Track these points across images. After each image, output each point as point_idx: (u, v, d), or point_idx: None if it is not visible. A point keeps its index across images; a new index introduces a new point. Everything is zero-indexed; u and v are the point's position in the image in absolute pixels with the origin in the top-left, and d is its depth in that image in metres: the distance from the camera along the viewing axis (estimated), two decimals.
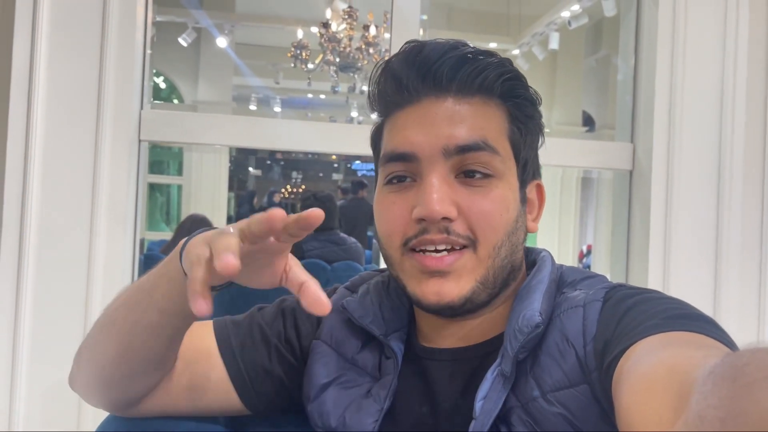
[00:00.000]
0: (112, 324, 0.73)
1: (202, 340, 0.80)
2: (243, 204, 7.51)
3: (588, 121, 5.47)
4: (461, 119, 0.66)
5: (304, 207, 2.99)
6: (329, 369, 0.76)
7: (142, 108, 1.44)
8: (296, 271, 0.62)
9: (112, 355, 0.72)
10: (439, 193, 0.64)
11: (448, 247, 0.65)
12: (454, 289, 0.65)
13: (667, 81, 1.53)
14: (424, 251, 0.66)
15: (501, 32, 4.98)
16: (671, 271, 1.51)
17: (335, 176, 15.11)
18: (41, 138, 1.31)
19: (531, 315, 0.64)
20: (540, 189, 0.76)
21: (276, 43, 5.55)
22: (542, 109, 0.75)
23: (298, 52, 4.26)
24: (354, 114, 7.62)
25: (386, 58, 0.72)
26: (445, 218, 0.64)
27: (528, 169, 0.72)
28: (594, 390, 0.59)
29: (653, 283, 1.51)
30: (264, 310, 0.85)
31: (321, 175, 15.58)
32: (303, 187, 13.82)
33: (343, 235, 2.72)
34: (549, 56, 4.65)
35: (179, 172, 5.92)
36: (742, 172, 1.52)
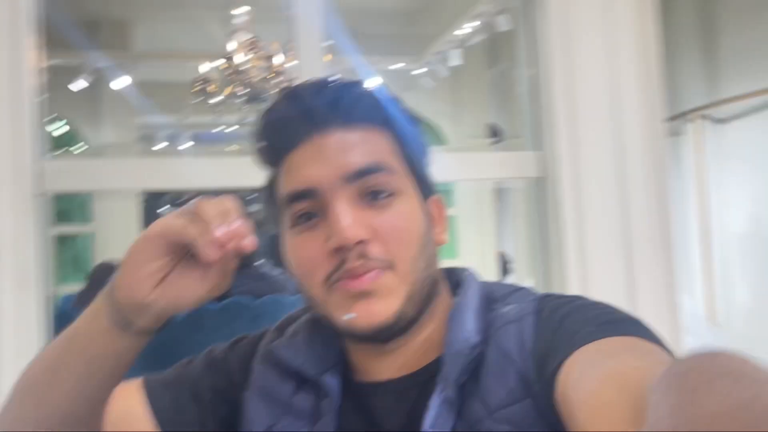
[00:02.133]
0: (31, 387, 0.68)
1: (129, 401, 0.76)
2: None
3: (496, 132, 5.63)
4: (352, 146, 0.67)
5: None
6: (261, 419, 0.74)
7: (42, 156, 1.38)
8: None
9: (33, 423, 0.67)
10: (347, 219, 0.64)
11: (369, 271, 0.65)
12: (383, 308, 0.65)
13: (563, 88, 1.60)
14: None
15: (405, 53, 5.08)
16: (588, 273, 1.56)
17: (251, 209, 14.91)
18: None
19: (467, 337, 0.64)
20: (438, 204, 0.77)
21: (180, 79, 5.45)
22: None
23: (203, 86, 4.19)
24: None
25: (264, 110, 0.73)
26: (359, 242, 0.64)
27: (425, 185, 0.74)
28: (538, 403, 0.60)
29: (573, 285, 1.56)
30: (192, 364, 0.82)
31: None
32: None
33: (265, 270, 2.68)
34: (453, 73, 4.78)
35: (89, 220, 5.67)
36: (643, 171, 1.60)
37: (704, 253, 4.24)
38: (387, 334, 0.68)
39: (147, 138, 6.76)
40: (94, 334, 0.64)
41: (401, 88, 5.23)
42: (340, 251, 0.65)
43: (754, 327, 4.15)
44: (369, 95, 0.71)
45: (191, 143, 7.29)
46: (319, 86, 0.69)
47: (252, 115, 4.97)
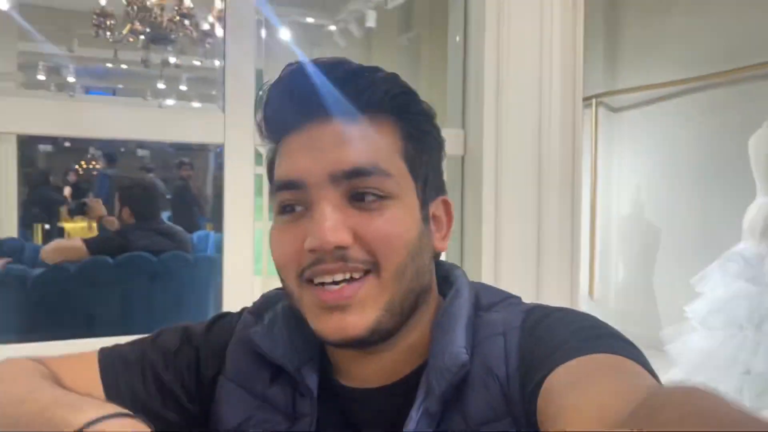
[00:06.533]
0: None
1: (84, 379, 0.71)
2: (37, 186, 6.77)
3: None
4: (349, 141, 0.62)
5: (124, 196, 2.73)
6: (237, 411, 0.70)
7: None
8: None
9: None
10: (330, 221, 0.60)
11: (347, 277, 0.61)
12: (358, 322, 0.61)
13: (494, 69, 1.60)
14: (322, 284, 0.62)
15: (317, 7, 4.94)
16: (502, 254, 1.59)
17: (140, 152, 14.15)
18: None
19: (457, 353, 0.61)
20: (447, 205, 0.72)
21: (71, 7, 5.00)
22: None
23: (102, 20, 3.85)
24: (161, 86, 7.16)
25: (270, 83, 0.67)
26: (339, 247, 0.60)
27: (429, 186, 0.68)
28: (518, 423, 0.59)
29: (486, 264, 1.59)
30: (161, 340, 0.76)
31: (122, 150, 14.49)
32: (97, 164, 12.73)
33: (168, 224, 2.55)
34: (367, 36, 4.69)
35: None
36: (560, 153, 1.64)
37: (590, 233, 4.50)
38: (360, 345, 0.64)
39: (28, 67, 6.22)
40: None
41: (311, 43, 5.09)
42: (317, 252, 0.61)
43: (626, 304, 4.49)
44: (380, 83, 0.65)
45: (75, 77, 6.80)
46: (327, 69, 0.63)
47: (154, 55, 4.66)
